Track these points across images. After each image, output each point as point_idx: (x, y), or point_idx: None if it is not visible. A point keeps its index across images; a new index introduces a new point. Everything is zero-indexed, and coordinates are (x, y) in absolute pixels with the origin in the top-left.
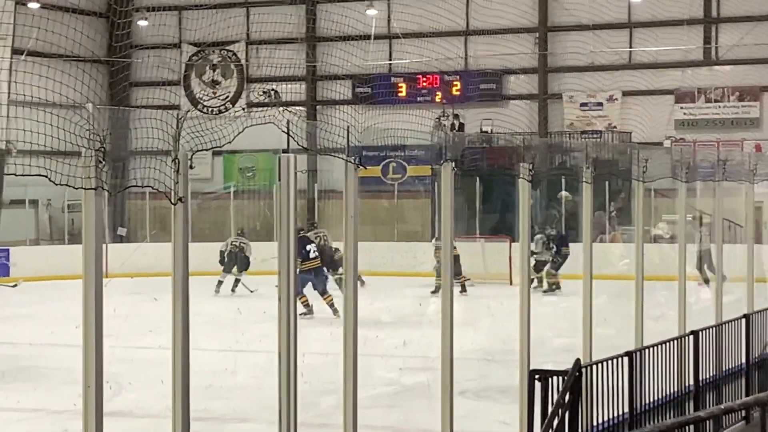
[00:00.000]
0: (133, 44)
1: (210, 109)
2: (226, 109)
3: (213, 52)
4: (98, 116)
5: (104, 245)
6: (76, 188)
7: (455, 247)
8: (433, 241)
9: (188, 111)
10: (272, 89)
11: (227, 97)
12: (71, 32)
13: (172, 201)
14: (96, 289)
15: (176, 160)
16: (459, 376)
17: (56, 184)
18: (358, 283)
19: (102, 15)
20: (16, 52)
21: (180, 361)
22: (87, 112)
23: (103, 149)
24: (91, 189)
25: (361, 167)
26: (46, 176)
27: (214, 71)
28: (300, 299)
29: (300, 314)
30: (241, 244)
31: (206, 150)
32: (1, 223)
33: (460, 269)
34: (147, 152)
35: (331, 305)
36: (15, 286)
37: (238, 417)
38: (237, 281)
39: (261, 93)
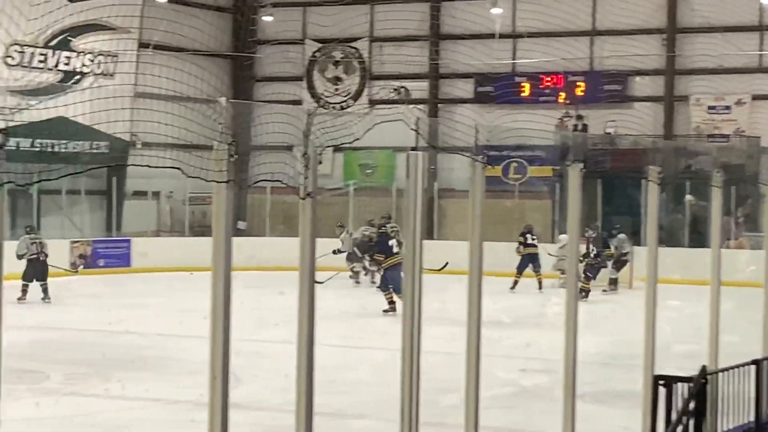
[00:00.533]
0: (257, 40)
1: (332, 106)
2: (348, 106)
3: (336, 48)
4: (231, 110)
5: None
6: (208, 181)
7: (535, 245)
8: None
9: (317, 107)
10: (402, 87)
11: (349, 93)
12: (197, 28)
13: (301, 196)
14: (225, 281)
15: (306, 156)
16: (578, 379)
17: (188, 177)
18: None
19: (227, 10)
20: (142, 45)
21: (305, 355)
22: (220, 107)
23: (235, 143)
24: (222, 182)
25: (488, 166)
26: (179, 168)
27: (336, 67)
28: (386, 295)
29: (383, 310)
30: (371, 234)
31: (335, 146)
32: (123, 213)
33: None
34: (274, 147)
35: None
36: (75, 272)
37: (357, 413)
38: (353, 269)
39: (392, 90)
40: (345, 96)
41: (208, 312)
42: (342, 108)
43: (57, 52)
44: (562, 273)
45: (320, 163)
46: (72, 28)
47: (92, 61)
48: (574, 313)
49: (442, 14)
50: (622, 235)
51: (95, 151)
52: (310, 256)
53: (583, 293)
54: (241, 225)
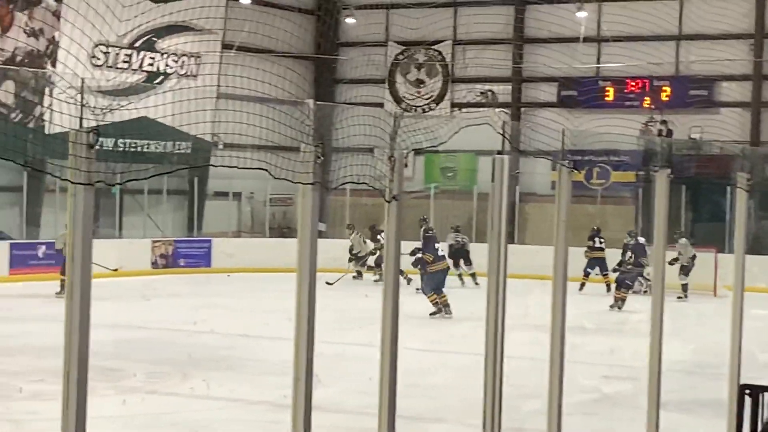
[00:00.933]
0: (340, 41)
1: (414, 108)
2: (430, 109)
3: (419, 51)
4: (318, 112)
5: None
6: (294, 182)
7: (602, 249)
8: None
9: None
10: (489, 90)
11: (431, 96)
12: (280, 29)
13: (387, 199)
14: (310, 282)
15: (392, 159)
16: (662, 387)
17: (275, 178)
18: (403, 280)
19: (310, 12)
20: (225, 46)
21: (388, 358)
22: (308, 108)
23: (322, 145)
24: (309, 184)
25: (574, 171)
26: (266, 170)
27: (419, 70)
28: (440, 298)
29: (430, 314)
30: (463, 240)
31: (422, 149)
32: (204, 214)
33: None
34: (355, 149)
35: (446, 305)
36: (115, 271)
37: (438, 417)
38: (461, 275)
39: (479, 93)
40: (427, 99)
41: (292, 313)
42: (424, 111)
43: (141, 52)
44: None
45: (406, 166)
46: (156, 30)
47: (176, 62)
48: (660, 320)
49: (527, 17)
50: (683, 240)
51: (179, 151)
52: (395, 258)
53: (619, 302)
54: (321, 226)
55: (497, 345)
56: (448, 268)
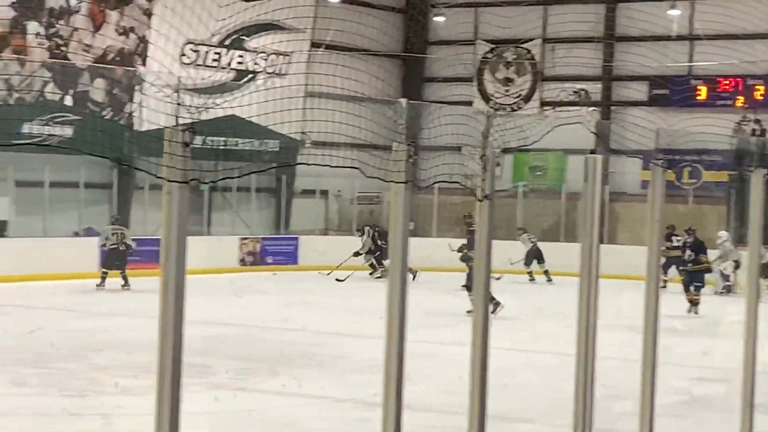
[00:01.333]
0: (429, 40)
1: (502, 107)
2: (519, 108)
3: (508, 49)
4: (411, 111)
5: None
6: (387, 181)
7: (679, 247)
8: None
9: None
10: (583, 89)
11: (520, 95)
12: (368, 28)
13: (478, 198)
14: (401, 281)
15: (484, 157)
16: (755, 389)
17: (367, 177)
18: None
19: (399, 11)
20: (314, 45)
21: (478, 357)
22: (400, 107)
23: (414, 143)
24: (401, 182)
25: (667, 170)
26: (359, 168)
27: (508, 69)
28: (471, 297)
29: (467, 311)
30: (532, 239)
31: (514, 148)
32: (292, 212)
33: None
34: (442, 148)
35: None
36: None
37: (527, 417)
38: (531, 273)
39: (572, 92)
40: (516, 98)
41: (382, 311)
42: (512, 110)
43: (230, 51)
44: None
45: (498, 165)
46: (246, 28)
47: (265, 60)
48: (754, 321)
49: (618, 15)
50: (724, 233)
51: (267, 149)
52: (486, 258)
53: (694, 306)
54: (410, 225)
55: (589, 345)
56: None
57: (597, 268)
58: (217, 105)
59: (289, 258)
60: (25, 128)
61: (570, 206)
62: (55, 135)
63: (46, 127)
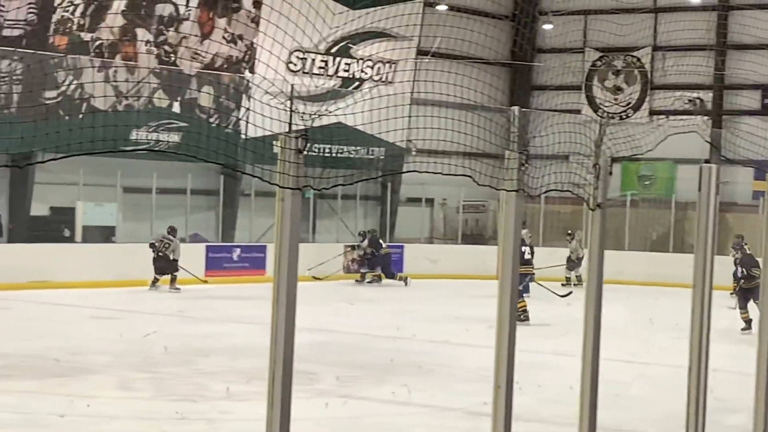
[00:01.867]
0: (537, 48)
1: (611, 116)
2: (628, 116)
3: (617, 57)
4: (522, 119)
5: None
6: (498, 189)
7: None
8: None
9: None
10: (698, 97)
11: (629, 103)
12: (475, 35)
13: (591, 207)
14: (511, 290)
15: (597, 166)
16: None
17: (479, 185)
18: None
19: (507, 18)
20: (420, 53)
21: (589, 368)
22: (512, 115)
23: (526, 152)
24: (513, 191)
25: None
26: (470, 176)
27: (617, 77)
28: (519, 303)
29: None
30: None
31: (626, 157)
32: (397, 220)
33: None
34: (549, 156)
35: (523, 310)
36: (205, 282)
37: (639, 429)
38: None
39: (687, 101)
40: (625, 106)
41: (492, 321)
42: (621, 118)
43: (337, 59)
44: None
45: (610, 173)
46: (352, 36)
47: (371, 68)
48: None
49: (731, 22)
50: None
51: (373, 156)
52: (598, 267)
53: (746, 326)
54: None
55: (702, 357)
56: (533, 273)
57: (710, 279)
58: (330, 113)
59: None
60: (134, 135)
61: (679, 216)
62: (163, 141)
63: (154, 133)
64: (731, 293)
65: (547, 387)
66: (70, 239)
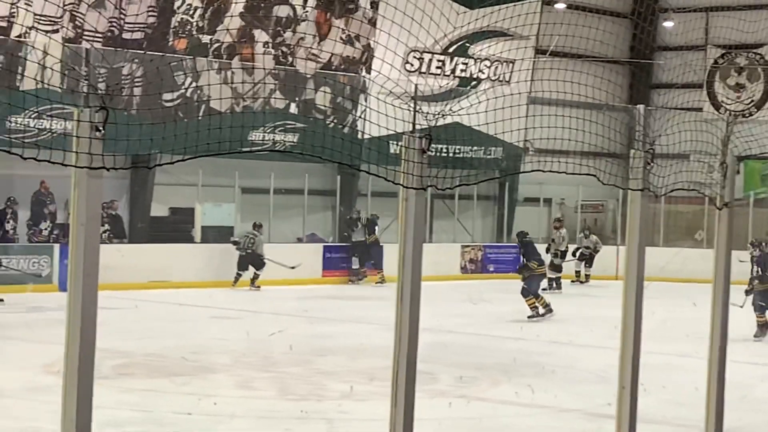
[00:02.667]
0: (656, 45)
1: (733, 114)
2: (750, 114)
3: (740, 54)
4: (648, 118)
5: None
6: (622, 188)
7: None
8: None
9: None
10: None
11: (752, 101)
12: (594, 33)
13: (718, 206)
14: (637, 291)
15: (724, 165)
16: None
17: (604, 184)
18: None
19: (626, 16)
20: (538, 51)
21: (715, 370)
22: (638, 113)
23: (652, 151)
24: (637, 190)
25: None
26: (595, 176)
27: (739, 74)
28: (533, 301)
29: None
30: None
31: (752, 156)
32: (515, 220)
33: None
34: (675, 155)
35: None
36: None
37: None
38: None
39: None
40: (747, 104)
41: (617, 321)
42: (744, 117)
43: (454, 58)
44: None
45: (738, 172)
46: (470, 35)
47: (488, 67)
48: None
49: None
50: None
51: (492, 157)
52: (725, 267)
53: (761, 330)
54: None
55: None
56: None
57: None
58: (453, 113)
59: (512, 266)
60: (252, 136)
61: None
62: (280, 142)
63: (272, 134)
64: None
65: (672, 388)
66: (189, 239)
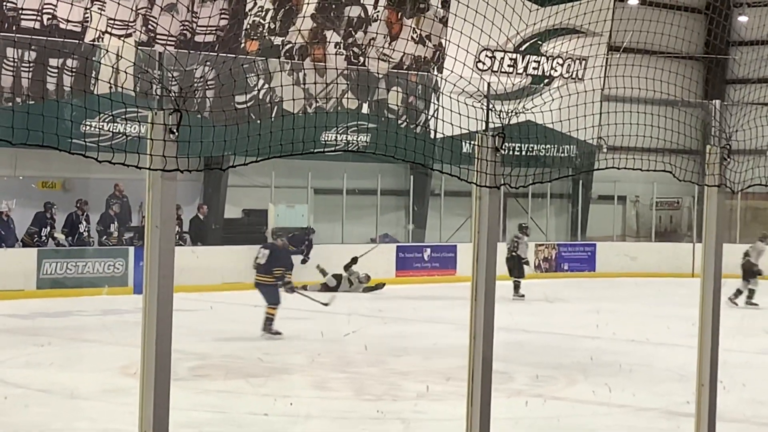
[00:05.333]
0: (731, 40)
1: None
2: None
3: None
4: (723, 113)
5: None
6: (699, 185)
7: None
8: None
9: None
10: None
11: None
12: (668, 28)
13: None
14: (715, 288)
15: None
16: None
17: (680, 181)
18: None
19: (700, 11)
20: (611, 48)
21: None
22: (713, 109)
23: (728, 146)
24: (714, 186)
25: None
26: (671, 172)
27: None
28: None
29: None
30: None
31: None
32: (589, 218)
33: None
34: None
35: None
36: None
37: None
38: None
39: None
40: None
41: (694, 318)
42: None
43: (526, 56)
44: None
45: None
46: (542, 33)
47: (561, 65)
48: None
49: None
50: None
51: (565, 155)
52: None
53: None
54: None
55: None
56: None
57: None
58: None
59: (586, 264)
60: (324, 136)
61: None
62: (352, 142)
63: (344, 135)
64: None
65: (752, 386)
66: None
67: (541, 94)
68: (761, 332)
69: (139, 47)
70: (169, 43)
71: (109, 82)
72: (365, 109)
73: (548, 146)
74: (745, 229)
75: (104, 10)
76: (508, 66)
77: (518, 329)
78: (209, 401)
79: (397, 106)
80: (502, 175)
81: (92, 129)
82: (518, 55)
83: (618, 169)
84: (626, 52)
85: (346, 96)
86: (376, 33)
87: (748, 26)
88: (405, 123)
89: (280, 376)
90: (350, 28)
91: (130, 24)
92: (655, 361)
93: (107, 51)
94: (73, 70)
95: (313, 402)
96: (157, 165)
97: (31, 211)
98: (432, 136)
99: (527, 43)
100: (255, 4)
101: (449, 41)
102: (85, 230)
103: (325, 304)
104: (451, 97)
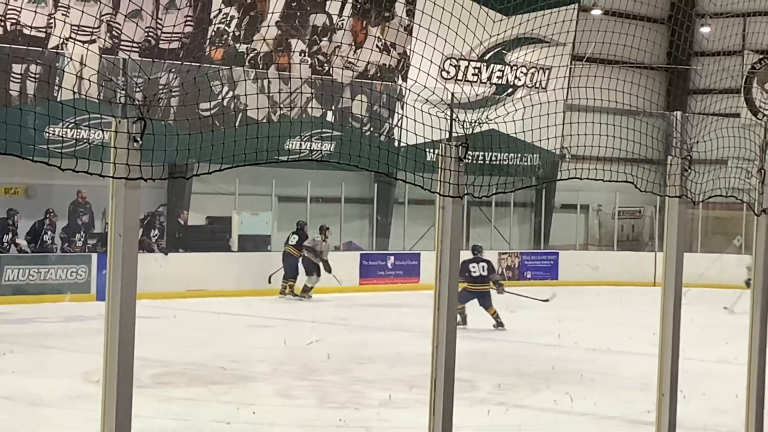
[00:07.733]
0: (693, 51)
1: None
2: None
3: None
4: (685, 124)
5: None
6: (660, 195)
7: None
8: None
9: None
10: None
11: None
12: (631, 39)
13: (756, 212)
14: (675, 297)
15: (762, 171)
16: None
17: (641, 191)
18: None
19: (662, 22)
20: (575, 58)
21: (755, 376)
22: (675, 120)
23: (689, 157)
24: (675, 197)
25: None
26: (632, 183)
27: None
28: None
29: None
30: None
31: None
32: (552, 226)
33: None
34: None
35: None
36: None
37: None
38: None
39: None
40: None
41: (654, 328)
42: None
43: (491, 65)
44: None
45: None
46: (506, 42)
47: (525, 74)
48: None
49: None
50: None
51: (529, 164)
52: (765, 273)
53: None
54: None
55: None
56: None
57: None
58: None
59: (549, 273)
60: (288, 144)
61: None
62: (317, 150)
63: (308, 142)
64: None
65: (713, 395)
66: (227, 248)
67: (504, 104)
68: (721, 342)
69: (103, 55)
70: (133, 50)
71: (73, 90)
72: (330, 117)
73: (512, 155)
74: (706, 239)
75: (68, 17)
76: (472, 75)
77: (481, 338)
78: (172, 409)
79: (362, 114)
80: (465, 185)
81: (55, 135)
82: (482, 64)
83: (580, 179)
84: (590, 62)
85: (310, 104)
86: (341, 41)
87: (710, 37)
88: (369, 131)
89: (244, 383)
90: (315, 36)
91: (93, 30)
92: (617, 370)
93: (71, 58)
94: (37, 76)
95: (277, 410)
96: (121, 173)
97: None
98: (396, 145)
99: (491, 53)
100: (220, 11)
101: (413, 50)
102: (49, 239)
103: (545, 300)
104: (414, 107)
